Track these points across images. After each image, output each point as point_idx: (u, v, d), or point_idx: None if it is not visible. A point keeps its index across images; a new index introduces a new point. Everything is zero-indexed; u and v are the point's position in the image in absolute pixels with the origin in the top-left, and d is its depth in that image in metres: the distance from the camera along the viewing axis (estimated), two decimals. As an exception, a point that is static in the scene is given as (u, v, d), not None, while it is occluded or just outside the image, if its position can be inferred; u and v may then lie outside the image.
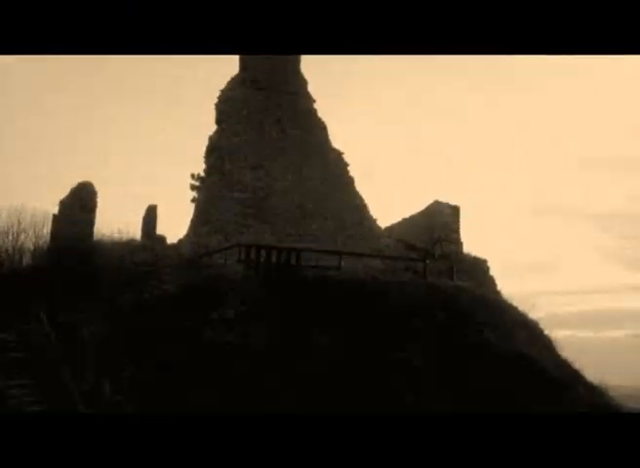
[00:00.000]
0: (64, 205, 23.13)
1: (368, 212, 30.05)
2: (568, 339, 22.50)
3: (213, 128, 28.62)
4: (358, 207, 29.72)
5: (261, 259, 19.45)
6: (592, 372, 18.61)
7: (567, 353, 19.53)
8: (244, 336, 15.59)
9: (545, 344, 19.53)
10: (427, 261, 21.59)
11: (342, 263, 20.20)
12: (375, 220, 30.27)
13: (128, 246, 20.13)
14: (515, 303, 21.49)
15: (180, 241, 27.35)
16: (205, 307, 15.96)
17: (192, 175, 28.27)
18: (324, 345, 16.03)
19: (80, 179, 23.93)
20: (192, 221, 27.14)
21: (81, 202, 23.33)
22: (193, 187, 28.06)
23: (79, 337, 14.00)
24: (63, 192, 23.63)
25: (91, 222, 22.88)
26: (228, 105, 28.40)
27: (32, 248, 19.54)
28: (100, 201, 23.69)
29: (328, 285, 17.97)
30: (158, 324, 15.24)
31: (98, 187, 23.83)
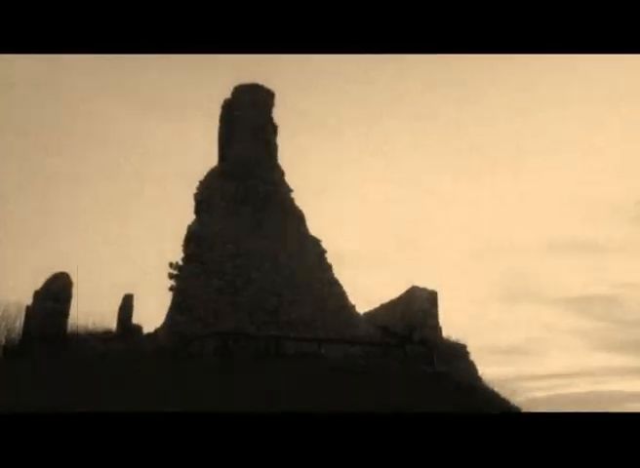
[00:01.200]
0: (38, 296, 22.84)
1: (346, 298, 30.09)
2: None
3: (190, 216, 28.98)
4: (336, 293, 29.77)
5: (240, 348, 19.20)
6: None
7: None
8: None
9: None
10: (407, 347, 21.51)
11: (323, 350, 20.01)
12: (353, 307, 30.27)
13: (102, 337, 19.79)
14: (496, 389, 21.35)
15: (157, 330, 26.94)
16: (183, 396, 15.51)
17: (170, 265, 28.27)
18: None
19: (56, 268, 23.78)
20: (170, 310, 26.86)
21: (55, 293, 23.06)
22: (171, 276, 27.98)
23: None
24: (42, 278, 23.39)
25: (65, 313, 22.54)
26: (207, 195, 28.92)
27: (4, 341, 19.10)
28: (75, 290, 23.45)
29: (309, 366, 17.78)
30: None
31: (74, 275, 23.67)
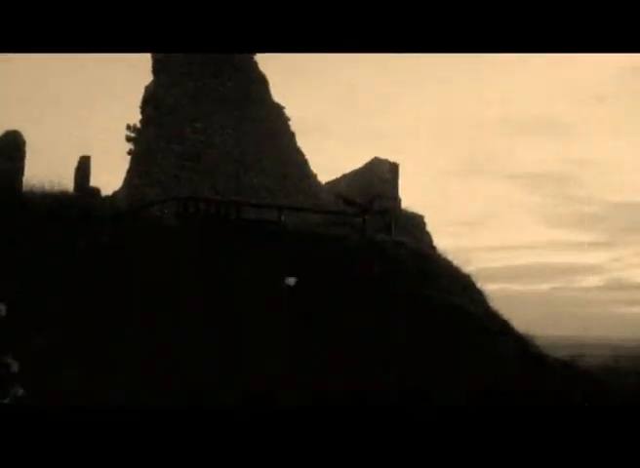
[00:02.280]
0: (-10, 154, 22.01)
1: (308, 167, 29.96)
2: (497, 292, 23.40)
3: (149, 77, 27.65)
4: (298, 162, 29.58)
5: (200, 213, 19.20)
6: (519, 323, 19.54)
7: (496, 304, 20.38)
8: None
9: (477, 296, 20.27)
10: (366, 217, 21.84)
11: (282, 218, 20.18)
12: (315, 176, 30.25)
13: (59, 198, 19.44)
14: (449, 258, 22.16)
15: (116, 193, 26.62)
16: (140, 260, 15.67)
17: (128, 127, 27.34)
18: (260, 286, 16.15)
19: (9, 127, 22.77)
20: (128, 173, 26.39)
21: (8, 151, 22.26)
22: (129, 139, 27.18)
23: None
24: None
25: (19, 172, 21.90)
26: (165, 55, 27.43)
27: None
28: (29, 151, 22.66)
29: (267, 234, 18.02)
30: (92, 277, 14.91)
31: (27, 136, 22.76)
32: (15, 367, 4.94)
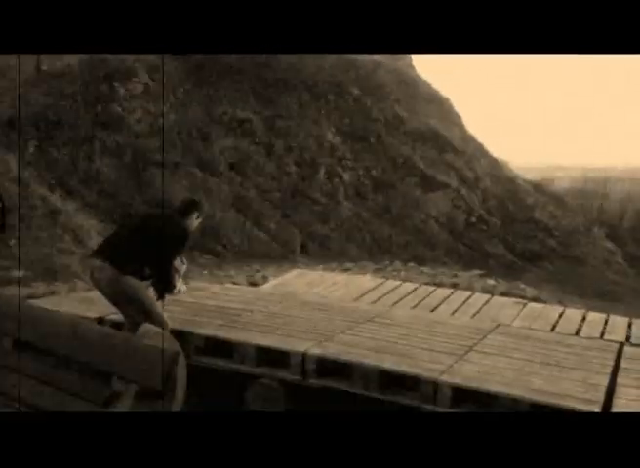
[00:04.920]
0: None
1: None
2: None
3: None
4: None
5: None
6: (495, 149, 19.79)
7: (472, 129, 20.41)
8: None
9: (454, 120, 20.17)
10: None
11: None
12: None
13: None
14: (429, 80, 21.64)
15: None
16: (111, 80, 14.98)
17: None
18: (238, 119, 15.87)
19: None
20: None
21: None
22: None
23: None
24: None
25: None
26: None
27: None
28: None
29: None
30: (61, 98, 14.31)
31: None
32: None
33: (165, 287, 4.54)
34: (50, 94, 14.22)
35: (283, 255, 13.91)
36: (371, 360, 4.10)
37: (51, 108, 13.97)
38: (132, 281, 4.34)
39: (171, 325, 4.46)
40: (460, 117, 20.51)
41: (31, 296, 6.69)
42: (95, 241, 9.52)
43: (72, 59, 15.12)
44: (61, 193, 12.23)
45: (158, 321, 4.28)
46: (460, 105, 21.16)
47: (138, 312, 4.35)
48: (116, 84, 14.82)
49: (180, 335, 4.30)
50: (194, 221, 4.70)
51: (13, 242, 9.46)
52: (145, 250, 4.42)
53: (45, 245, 9.88)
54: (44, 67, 14.62)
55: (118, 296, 4.40)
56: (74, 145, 13.82)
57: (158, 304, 4.48)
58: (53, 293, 7.36)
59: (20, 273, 8.62)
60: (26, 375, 3.42)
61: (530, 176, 19.77)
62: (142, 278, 4.42)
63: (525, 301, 7.42)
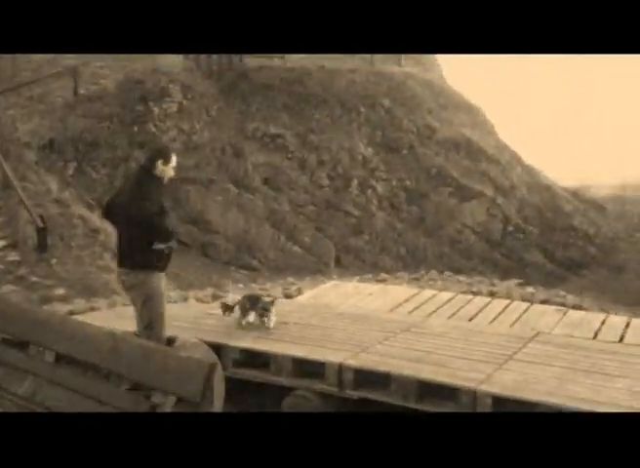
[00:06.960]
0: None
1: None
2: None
3: None
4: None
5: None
6: (529, 156, 19.51)
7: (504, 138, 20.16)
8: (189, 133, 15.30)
9: (487, 129, 19.96)
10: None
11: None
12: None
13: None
14: (461, 90, 21.47)
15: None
16: (146, 101, 15.28)
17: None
18: (271, 134, 16.02)
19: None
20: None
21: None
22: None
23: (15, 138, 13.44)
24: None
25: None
26: None
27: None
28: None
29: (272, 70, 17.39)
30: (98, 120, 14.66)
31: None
32: None
33: (166, 236, 4.70)
34: (87, 116, 14.57)
35: (318, 268, 13.93)
36: (409, 370, 4.06)
37: (89, 130, 14.31)
38: (154, 284, 4.46)
39: (205, 338, 4.53)
40: (492, 126, 20.29)
41: (72, 312, 6.83)
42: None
43: (109, 82, 15.51)
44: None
45: (156, 334, 4.36)
46: (493, 114, 20.87)
47: (142, 316, 4.49)
48: (151, 104, 15.10)
49: (216, 348, 4.33)
50: (163, 168, 4.79)
51: (54, 261, 9.70)
52: (135, 234, 4.57)
53: (85, 263, 10.09)
54: (82, 90, 14.98)
55: (136, 298, 4.59)
56: (112, 166, 14.12)
57: (164, 324, 4.53)
58: (92, 309, 7.51)
59: (61, 291, 8.82)
60: (68, 389, 3.49)
61: (566, 184, 19.39)
62: (160, 252, 4.50)
63: (566, 309, 7.26)
